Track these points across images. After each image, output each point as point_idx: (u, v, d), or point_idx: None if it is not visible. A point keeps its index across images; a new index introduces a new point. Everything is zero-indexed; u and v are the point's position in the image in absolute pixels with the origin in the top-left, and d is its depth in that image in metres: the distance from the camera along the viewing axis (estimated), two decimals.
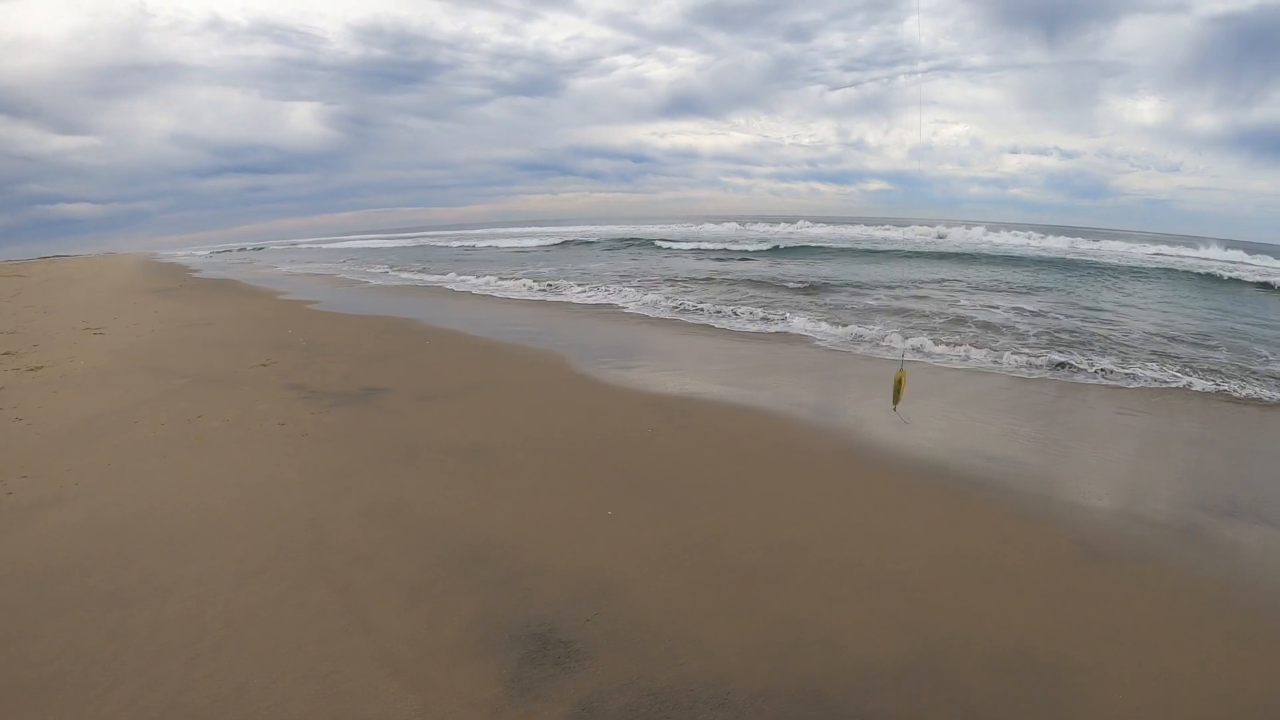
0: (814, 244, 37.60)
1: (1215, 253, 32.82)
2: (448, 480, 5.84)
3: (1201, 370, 9.95)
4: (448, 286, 22.94)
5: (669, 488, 5.67)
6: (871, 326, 12.91)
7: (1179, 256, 32.13)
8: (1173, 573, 4.51)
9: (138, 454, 6.48)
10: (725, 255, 33.78)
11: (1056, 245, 36.13)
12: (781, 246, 35.75)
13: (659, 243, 41.11)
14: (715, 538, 4.84)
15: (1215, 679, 3.52)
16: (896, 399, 4.79)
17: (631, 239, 45.35)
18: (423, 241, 58.94)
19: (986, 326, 13.44)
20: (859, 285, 20.01)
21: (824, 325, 13.26)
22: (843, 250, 34.48)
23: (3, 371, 9.95)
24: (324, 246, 71.75)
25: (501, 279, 23.55)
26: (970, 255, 31.37)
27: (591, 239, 48.54)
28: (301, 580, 4.31)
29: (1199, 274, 25.05)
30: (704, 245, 38.45)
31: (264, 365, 10.20)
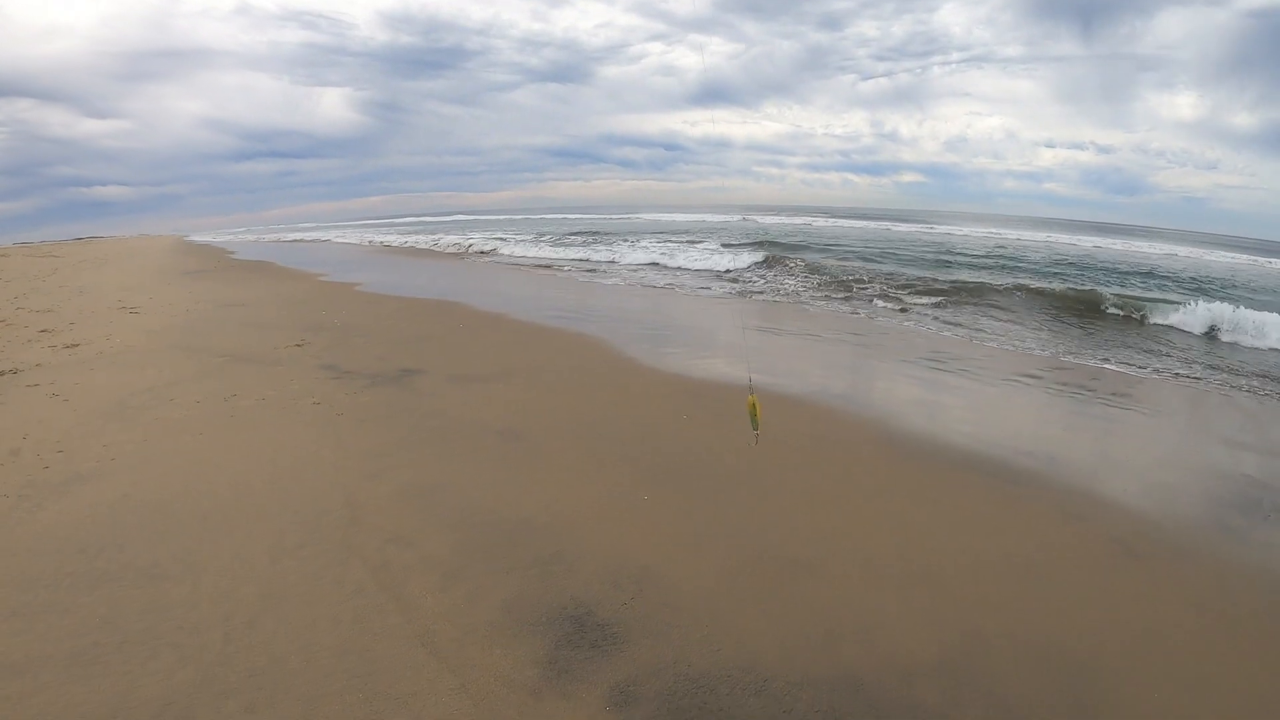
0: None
1: None
2: (482, 463, 5.80)
3: None
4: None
5: (705, 474, 5.59)
6: None
7: None
8: (1209, 572, 4.41)
9: (173, 431, 6.51)
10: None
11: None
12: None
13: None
14: (751, 526, 4.76)
15: (1249, 680, 3.46)
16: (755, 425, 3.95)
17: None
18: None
19: None
20: None
21: None
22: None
23: (40, 349, 10.08)
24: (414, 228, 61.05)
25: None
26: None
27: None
28: (338, 558, 4.29)
29: None
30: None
31: (299, 345, 10.24)
